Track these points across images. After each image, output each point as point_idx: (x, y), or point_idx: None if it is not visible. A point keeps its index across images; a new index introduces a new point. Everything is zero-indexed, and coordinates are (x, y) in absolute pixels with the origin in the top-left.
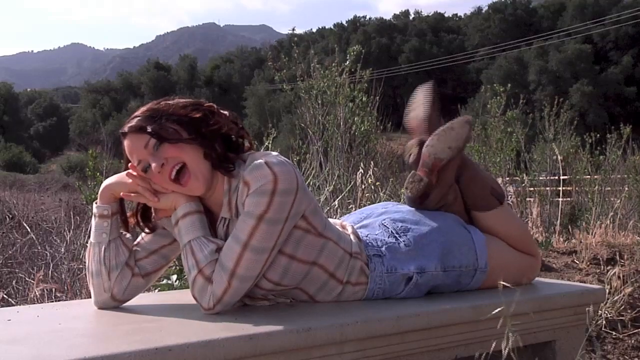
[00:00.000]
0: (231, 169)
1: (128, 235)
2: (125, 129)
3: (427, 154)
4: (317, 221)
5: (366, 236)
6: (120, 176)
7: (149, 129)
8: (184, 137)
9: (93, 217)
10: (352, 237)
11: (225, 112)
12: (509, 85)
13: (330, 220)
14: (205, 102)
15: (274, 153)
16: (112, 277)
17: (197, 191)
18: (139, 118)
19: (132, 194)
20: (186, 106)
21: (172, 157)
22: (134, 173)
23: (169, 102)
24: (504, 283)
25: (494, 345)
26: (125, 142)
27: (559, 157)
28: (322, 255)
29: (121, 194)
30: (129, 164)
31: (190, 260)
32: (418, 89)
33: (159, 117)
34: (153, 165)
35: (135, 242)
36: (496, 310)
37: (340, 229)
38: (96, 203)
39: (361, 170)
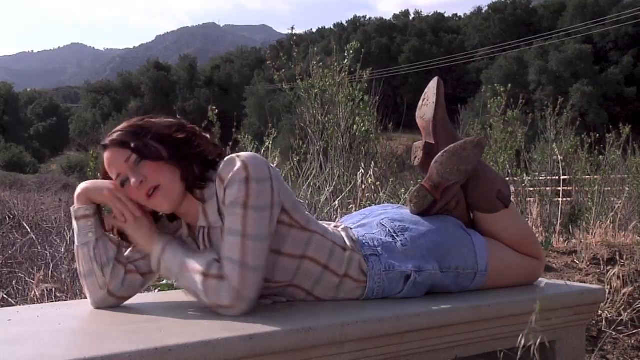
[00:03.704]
0: (204, 187)
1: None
2: (107, 141)
3: (434, 171)
4: (299, 216)
5: (363, 236)
6: (97, 183)
7: (132, 145)
8: (165, 156)
9: (74, 220)
10: (342, 233)
11: (207, 135)
12: (510, 85)
13: (324, 222)
14: (188, 124)
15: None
16: (106, 273)
17: (163, 209)
18: (121, 133)
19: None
20: (170, 126)
21: (151, 177)
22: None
23: (152, 120)
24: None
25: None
26: (106, 155)
27: (559, 157)
28: (309, 248)
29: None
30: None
31: (190, 274)
32: (430, 84)
33: (142, 134)
34: (132, 180)
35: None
36: (534, 305)
37: (326, 226)
38: (74, 207)
39: (362, 170)
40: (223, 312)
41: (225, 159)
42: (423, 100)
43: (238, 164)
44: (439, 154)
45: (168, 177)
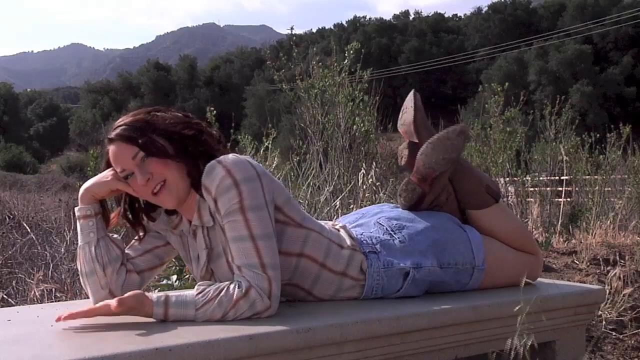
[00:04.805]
0: None
1: (115, 235)
2: (113, 135)
3: (421, 163)
4: (293, 213)
5: (361, 234)
6: (98, 177)
7: (139, 141)
8: (171, 153)
9: (77, 220)
10: (341, 232)
11: (213, 131)
12: (507, 84)
13: (322, 222)
14: (194, 119)
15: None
16: (107, 273)
17: (168, 205)
18: (128, 127)
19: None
20: (177, 123)
21: (158, 174)
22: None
23: (159, 114)
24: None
25: (510, 342)
26: (111, 148)
27: (564, 158)
28: (306, 245)
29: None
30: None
31: (222, 309)
32: (407, 97)
33: (149, 130)
34: (139, 177)
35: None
36: (516, 309)
37: (323, 224)
38: (77, 207)
39: (363, 171)
40: (259, 316)
41: (207, 165)
42: (402, 111)
43: (221, 172)
44: (424, 145)
45: (174, 174)
